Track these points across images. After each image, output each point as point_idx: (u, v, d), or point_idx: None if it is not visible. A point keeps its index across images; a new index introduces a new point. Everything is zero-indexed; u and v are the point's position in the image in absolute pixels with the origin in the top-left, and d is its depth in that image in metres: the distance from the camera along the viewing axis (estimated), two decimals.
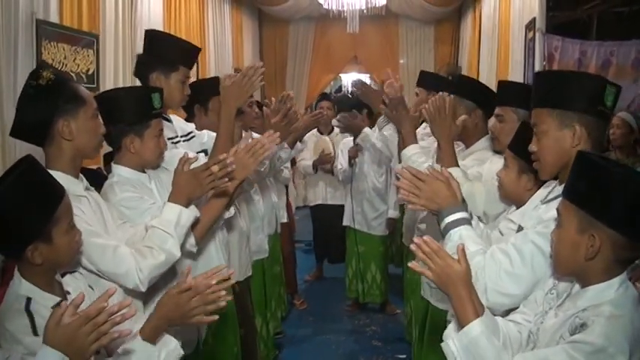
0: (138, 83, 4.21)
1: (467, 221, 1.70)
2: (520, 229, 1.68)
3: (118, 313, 1.21)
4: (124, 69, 4.28)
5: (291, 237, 4.90)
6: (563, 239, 1.34)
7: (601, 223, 1.27)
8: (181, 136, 2.48)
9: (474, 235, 1.68)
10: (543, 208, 1.61)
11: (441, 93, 2.37)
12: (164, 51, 2.32)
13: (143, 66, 2.31)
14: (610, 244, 1.27)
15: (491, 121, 2.34)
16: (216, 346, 2.55)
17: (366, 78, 8.69)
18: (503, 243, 1.64)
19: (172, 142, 2.36)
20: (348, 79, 9.26)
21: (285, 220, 4.32)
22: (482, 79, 5.66)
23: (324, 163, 5.11)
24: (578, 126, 1.54)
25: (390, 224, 4.64)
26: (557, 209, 1.37)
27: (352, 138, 4.51)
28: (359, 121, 4.13)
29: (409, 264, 1.47)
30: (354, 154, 4.49)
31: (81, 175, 1.80)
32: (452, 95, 2.48)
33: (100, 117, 1.80)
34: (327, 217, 5.24)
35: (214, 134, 2.35)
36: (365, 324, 4.71)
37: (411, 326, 3.86)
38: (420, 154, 2.44)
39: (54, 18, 3.49)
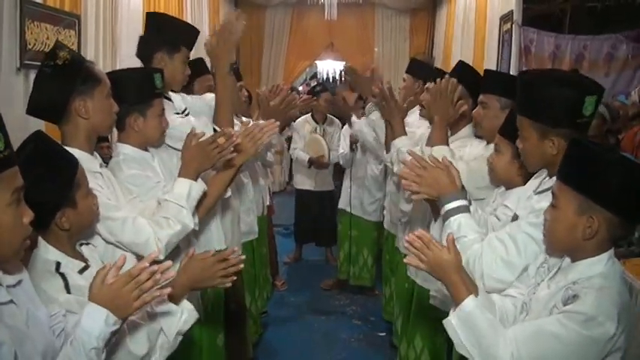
0: (119, 65, 4.22)
1: (466, 208, 1.78)
2: (515, 216, 1.77)
3: (159, 274, 1.29)
4: (104, 50, 4.24)
5: (270, 220, 4.92)
6: (560, 220, 1.42)
7: (599, 205, 1.36)
8: (177, 113, 2.48)
9: (473, 223, 1.77)
10: (536, 198, 1.70)
11: (445, 77, 2.40)
12: (169, 32, 2.34)
13: (147, 46, 2.33)
14: (606, 224, 1.37)
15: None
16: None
17: (341, 65, 8.75)
18: (500, 231, 1.74)
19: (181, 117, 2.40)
20: (324, 66, 9.29)
21: (268, 203, 4.36)
22: None
23: (319, 168, 5.20)
24: (557, 139, 1.63)
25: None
26: (553, 191, 1.45)
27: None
28: (347, 106, 4.18)
29: (405, 260, 1.56)
30: (355, 139, 4.51)
31: (95, 152, 1.85)
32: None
33: (112, 97, 1.85)
34: (313, 202, 5.28)
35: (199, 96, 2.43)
36: (345, 304, 4.83)
37: (390, 305, 4.01)
38: (411, 145, 2.48)
39: None
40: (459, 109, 2.42)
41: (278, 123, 2.19)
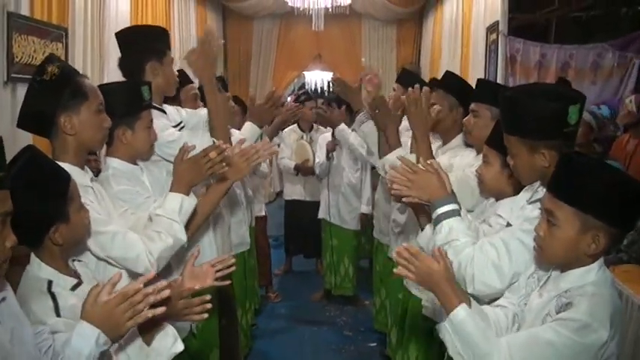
0: (107, 78, 4.20)
1: (457, 212, 1.78)
2: (509, 225, 1.77)
3: (153, 294, 1.26)
4: (92, 63, 4.23)
5: (264, 231, 4.95)
6: (560, 238, 1.42)
7: (603, 222, 1.38)
8: (174, 126, 2.49)
9: (464, 227, 1.77)
10: (529, 207, 1.71)
11: (416, 86, 2.39)
12: (151, 41, 2.36)
13: (135, 60, 2.33)
14: (608, 238, 1.40)
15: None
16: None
17: (329, 76, 8.77)
18: (493, 236, 1.74)
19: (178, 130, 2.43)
20: (312, 76, 9.29)
21: (263, 213, 4.35)
22: None
23: (305, 174, 5.20)
24: (547, 151, 1.63)
25: (362, 220, 4.73)
26: (549, 208, 1.44)
27: (330, 132, 4.58)
28: (336, 115, 4.18)
29: (395, 270, 1.57)
30: (331, 147, 4.58)
31: (86, 166, 1.84)
32: (436, 89, 2.55)
33: (104, 111, 1.84)
34: (302, 213, 5.30)
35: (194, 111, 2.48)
36: (335, 315, 4.80)
37: (381, 315, 4.01)
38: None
39: (25, 11, 3.43)
40: (436, 113, 2.43)
41: (275, 147, 2.23)
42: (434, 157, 2.35)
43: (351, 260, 4.77)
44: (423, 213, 1.93)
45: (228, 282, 1.71)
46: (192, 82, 3.06)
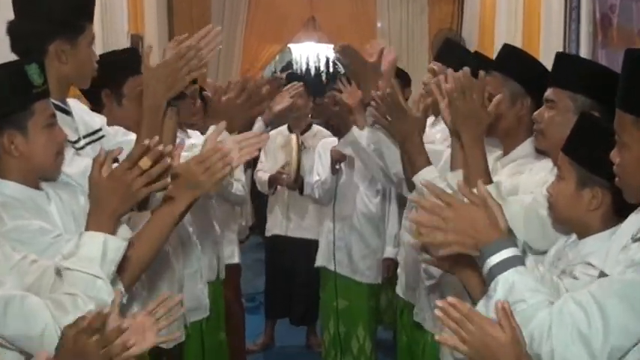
0: None
1: (519, 260, 1.77)
2: (603, 275, 1.76)
3: None
4: None
5: (237, 286, 4.95)
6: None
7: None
8: (85, 136, 2.50)
9: (532, 281, 1.76)
10: (635, 247, 1.69)
11: (465, 68, 2.41)
12: (61, 9, 2.35)
13: (33, 34, 2.33)
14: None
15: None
16: None
17: (327, 50, 8.78)
18: (579, 291, 1.73)
19: (74, 147, 2.39)
20: (302, 51, 9.40)
21: (235, 259, 4.28)
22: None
23: (277, 183, 5.20)
24: None
25: (387, 267, 4.67)
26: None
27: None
28: (344, 111, 4.01)
29: (436, 338, 1.63)
30: (339, 156, 4.47)
31: None
32: (490, 72, 2.56)
33: None
34: (286, 256, 5.30)
35: (133, 136, 2.45)
36: None
37: None
38: (439, 180, 2.47)
39: None
40: (495, 106, 2.43)
41: (251, 149, 2.25)
42: (491, 180, 2.37)
43: (367, 330, 4.70)
44: (468, 270, 1.95)
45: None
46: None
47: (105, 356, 1.58)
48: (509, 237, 1.81)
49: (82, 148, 2.46)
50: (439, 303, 1.59)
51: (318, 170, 4.73)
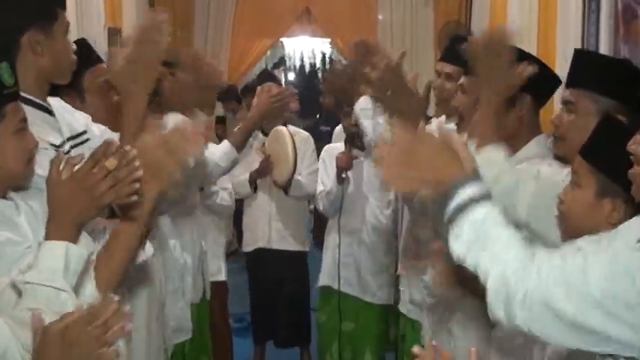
0: None
1: (488, 198, 1.69)
2: None
3: None
4: None
5: (224, 306, 4.97)
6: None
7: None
8: (69, 139, 2.51)
9: (504, 220, 1.67)
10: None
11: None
12: None
13: (4, 30, 2.32)
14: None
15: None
16: None
17: (324, 45, 8.81)
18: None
19: (57, 151, 2.37)
20: (296, 46, 9.40)
21: (222, 277, 4.29)
22: None
23: (264, 174, 5.11)
24: None
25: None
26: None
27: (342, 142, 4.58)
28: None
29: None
30: (345, 163, 4.49)
31: None
32: None
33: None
34: (271, 270, 5.27)
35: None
36: None
37: None
38: None
39: None
40: (522, 73, 2.41)
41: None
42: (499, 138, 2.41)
43: (376, 356, 4.71)
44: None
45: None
46: (101, 62, 3.10)
47: (101, 341, 1.57)
48: (476, 176, 1.70)
49: (67, 152, 2.42)
50: (414, 348, 1.67)
51: (322, 179, 4.74)
